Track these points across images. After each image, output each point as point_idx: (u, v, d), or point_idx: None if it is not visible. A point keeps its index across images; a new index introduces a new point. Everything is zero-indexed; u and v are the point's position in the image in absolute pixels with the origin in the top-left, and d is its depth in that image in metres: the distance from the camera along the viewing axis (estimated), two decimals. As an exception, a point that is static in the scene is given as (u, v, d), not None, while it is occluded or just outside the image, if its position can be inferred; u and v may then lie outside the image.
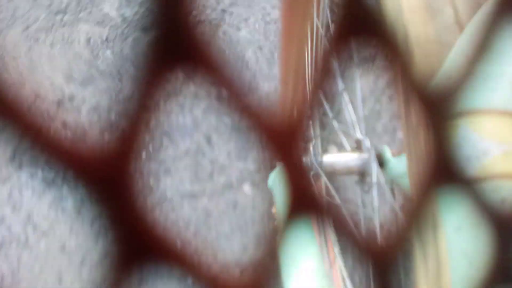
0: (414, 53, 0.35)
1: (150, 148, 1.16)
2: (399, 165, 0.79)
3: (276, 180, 0.91)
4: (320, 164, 0.85)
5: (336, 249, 0.87)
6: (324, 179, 0.84)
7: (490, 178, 0.29)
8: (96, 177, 0.19)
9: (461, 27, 0.31)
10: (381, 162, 0.80)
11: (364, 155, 0.82)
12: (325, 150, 0.95)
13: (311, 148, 0.88)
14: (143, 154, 1.14)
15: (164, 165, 1.15)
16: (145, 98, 0.19)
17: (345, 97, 0.90)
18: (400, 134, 1.17)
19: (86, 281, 1.07)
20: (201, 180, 1.14)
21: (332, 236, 0.89)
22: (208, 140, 1.18)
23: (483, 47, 0.22)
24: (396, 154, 0.81)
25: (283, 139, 0.22)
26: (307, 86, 0.88)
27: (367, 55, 1.19)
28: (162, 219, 1.12)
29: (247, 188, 1.15)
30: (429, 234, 0.23)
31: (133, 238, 0.20)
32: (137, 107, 0.19)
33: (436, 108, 0.22)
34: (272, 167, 0.95)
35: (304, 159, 0.87)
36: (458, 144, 0.32)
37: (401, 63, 0.22)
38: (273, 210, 1.03)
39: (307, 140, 0.89)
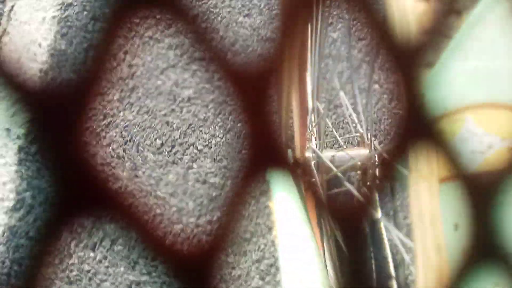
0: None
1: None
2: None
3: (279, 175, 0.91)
4: (321, 159, 0.85)
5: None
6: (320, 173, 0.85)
7: (494, 171, 0.29)
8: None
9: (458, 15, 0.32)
10: (384, 159, 0.80)
11: (366, 151, 0.82)
12: (326, 145, 0.96)
13: (312, 143, 0.88)
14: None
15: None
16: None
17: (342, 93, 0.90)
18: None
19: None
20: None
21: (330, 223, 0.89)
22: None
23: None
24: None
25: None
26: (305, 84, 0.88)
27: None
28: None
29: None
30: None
31: (78, 182, 0.19)
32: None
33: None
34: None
35: (306, 153, 0.87)
36: (463, 138, 0.32)
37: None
38: (270, 204, 1.04)
39: (308, 136, 0.89)
